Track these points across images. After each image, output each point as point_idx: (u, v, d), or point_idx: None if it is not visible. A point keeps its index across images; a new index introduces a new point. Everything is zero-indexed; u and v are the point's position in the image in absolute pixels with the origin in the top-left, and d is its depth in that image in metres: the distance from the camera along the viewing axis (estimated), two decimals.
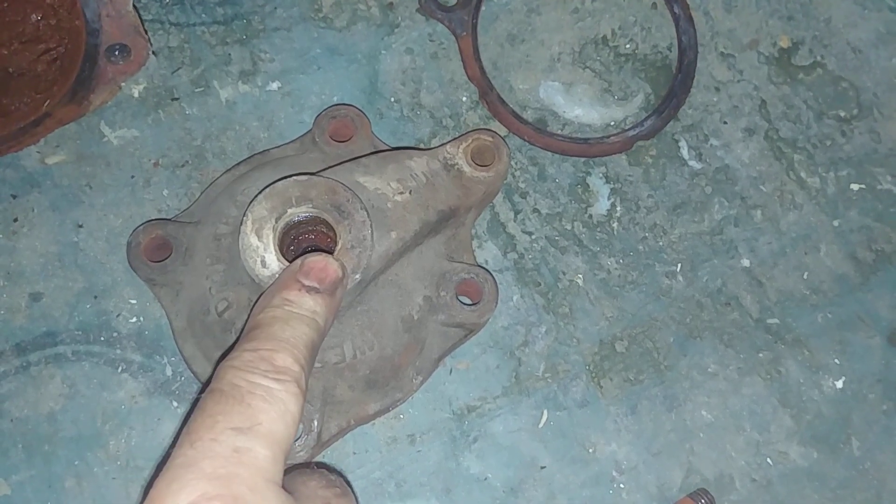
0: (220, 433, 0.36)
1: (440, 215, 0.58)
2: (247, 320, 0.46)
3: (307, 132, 0.65)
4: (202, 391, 0.41)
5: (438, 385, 0.63)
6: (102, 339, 0.62)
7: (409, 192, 0.57)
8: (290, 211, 0.51)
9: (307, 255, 0.48)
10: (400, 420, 0.62)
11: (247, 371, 0.39)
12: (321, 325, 0.45)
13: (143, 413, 0.60)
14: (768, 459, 0.63)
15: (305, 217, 0.52)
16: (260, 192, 0.52)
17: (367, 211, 0.52)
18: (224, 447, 0.36)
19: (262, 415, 0.37)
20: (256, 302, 0.47)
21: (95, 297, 0.63)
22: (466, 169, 0.61)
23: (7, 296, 0.62)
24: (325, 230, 0.54)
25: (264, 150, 0.65)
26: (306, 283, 0.46)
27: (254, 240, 0.51)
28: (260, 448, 0.36)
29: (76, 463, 0.59)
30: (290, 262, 0.51)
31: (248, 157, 0.64)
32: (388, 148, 0.65)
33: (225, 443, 0.36)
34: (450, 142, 0.62)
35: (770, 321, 0.67)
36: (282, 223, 0.51)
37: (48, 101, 0.61)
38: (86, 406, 0.60)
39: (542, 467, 0.62)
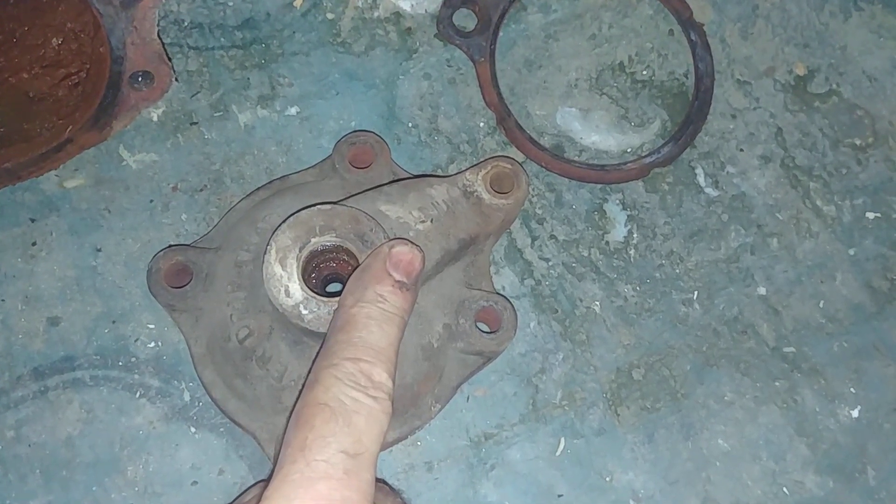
0: (332, 455, 0.39)
1: (461, 243, 0.58)
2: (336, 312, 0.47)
3: (326, 158, 0.65)
4: (301, 388, 0.44)
5: (456, 412, 0.63)
6: (120, 363, 0.62)
7: (431, 221, 0.57)
8: (313, 240, 0.52)
9: (393, 241, 0.49)
10: (417, 447, 0.62)
11: (350, 386, 0.41)
12: (406, 322, 0.46)
13: (160, 438, 0.60)
14: (784, 489, 0.63)
15: (329, 246, 0.52)
16: (283, 221, 0.52)
17: None
18: (336, 470, 0.38)
19: (365, 437, 0.40)
20: (345, 286, 0.47)
21: (113, 321, 0.63)
22: (486, 196, 0.61)
23: (25, 320, 0.62)
24: (346, 258, 0.54)
25: (283, 176, 0.65)
26: (397, 277, 0.47)
27: (278, 269, 0.51)
28: (365, 471, 0.39)
29: (94, 489, 0.59)
30: (313, 290, 0.51)
31: (268, 183, 0.64)
32: (407, 174, 0.65)
33: (337, 465, 0.39)
34: (469, 169, 0.62)
35: (786, 350, 0.67)
36: (305, 252, 0.51)
37: (70, 126, 0.61)
38: (103, 431, 0.60)
39: (560, 496, 0.62)
